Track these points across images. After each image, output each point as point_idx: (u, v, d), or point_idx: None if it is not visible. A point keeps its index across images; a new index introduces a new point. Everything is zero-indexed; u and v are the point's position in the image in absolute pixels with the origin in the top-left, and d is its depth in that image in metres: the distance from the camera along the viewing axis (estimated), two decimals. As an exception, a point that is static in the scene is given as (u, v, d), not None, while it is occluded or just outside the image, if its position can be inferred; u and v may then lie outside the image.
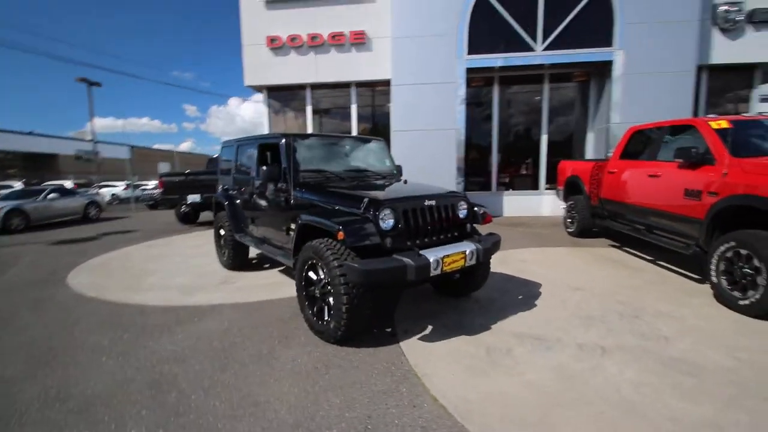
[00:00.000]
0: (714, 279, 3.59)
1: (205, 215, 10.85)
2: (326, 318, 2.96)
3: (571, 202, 6.83)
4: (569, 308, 3.57)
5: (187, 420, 2.07)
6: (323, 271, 2.94)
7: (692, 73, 8.12)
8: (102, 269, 5.45)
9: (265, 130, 10.07)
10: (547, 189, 9.51)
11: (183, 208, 9.19)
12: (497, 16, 8.44)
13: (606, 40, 8.26)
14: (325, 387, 2.36)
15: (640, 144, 5.27)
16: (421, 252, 2.81)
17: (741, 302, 3.29)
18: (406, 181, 4.01)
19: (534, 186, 9.59)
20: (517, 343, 2.88)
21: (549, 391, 2.28)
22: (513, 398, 2.22)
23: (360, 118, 9.95)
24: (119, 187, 20.82)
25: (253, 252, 5.33)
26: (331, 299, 2.89)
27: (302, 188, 3.53)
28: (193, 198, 8.82)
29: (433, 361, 2.65)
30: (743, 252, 3.32)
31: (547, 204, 9.29)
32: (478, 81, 9.37)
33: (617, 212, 5.54)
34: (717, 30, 8.31)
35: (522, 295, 3.93)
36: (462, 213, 3.33)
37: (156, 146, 45.94)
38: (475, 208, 3.47)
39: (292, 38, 9.33)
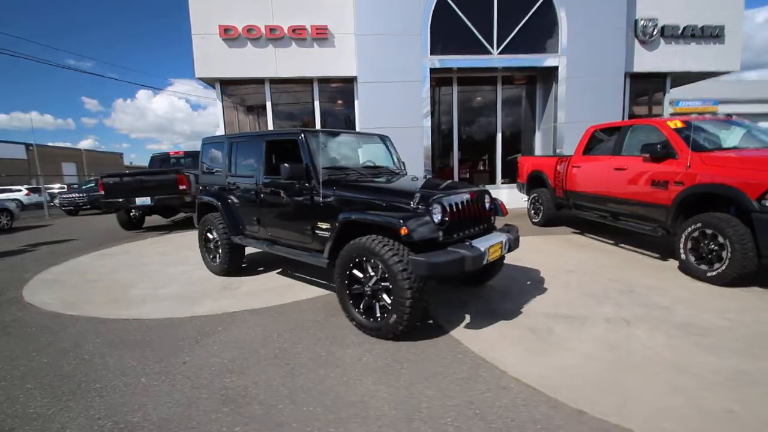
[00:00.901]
0: (683, 256, 4.25)
1: (152, 220, 9.87)
2: (378, 315, 2.95)
3: (535, 195, 7.49)
4: (574, 288, 3.97)
5: (292, 429, 1.97)
6: (373, 267, 2.93)
7: (622, 78, 9.34)
8: (62, 284, 4.72)
9: (220, 126, 9.42)
10: (502, 183, 10.25)
11: (133, 213, 8.23)
12: (457, 19, 8.87)
13: (552, 47, 9.13)
14: (410, 380, 2.39)
15: (602, 141, 5.97)
16: (473, 243, 2.94)
17: (709, 274, 3.94)
18: (416, 177, 4.11)
19: (491, 181, 10.27)
20: (553, 323, 3.15)
21: (605, 360, 2.56)
22: (581, 369, 2.45)
23: (324, 115, 9.76)
24: (21, 193, 17.78)
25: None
26: (385, 295, 2.90)
27: (333, 186, 3.43)
28: (143, 201, 7.94)
29: (492, 346, 2.80)
30: (708, 231, 3.99)
31: (504, 197, 9.93)
32: (437, 80, 9.75)
33: (583, 202, 6.22)
34: (637, 42, 9.65)
35: (529, 280, 4.26)
36: (488, 206, 3.54)
37: (51, 144, 39.77)
38: (496, 201, 3.69)
39: (249, 29, 8.82)
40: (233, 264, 4.68)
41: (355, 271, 3.07)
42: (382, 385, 2.35)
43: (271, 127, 9.50)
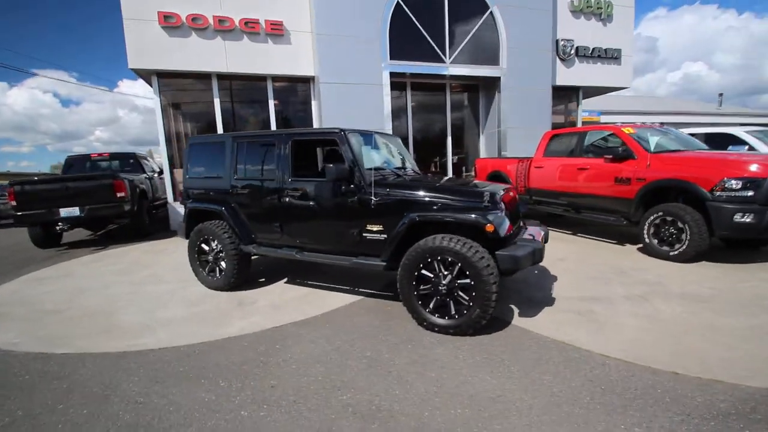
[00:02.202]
0: (647, 240, 5.08)
1: (75, 234, 8.27)
2: (453, 312, 3.00)
3: (495, 193, 8.15)
4: (578, 273, 4.49)
5: (458, 433, 1.93)
6: (447, 266, 2.97)
7: (549, 90, 10.67)
8: (9, 318, 3.73)
9: (158, 123, 8.29)
10: (453, 184, 10.87)
11: (60, 226, 6.77)
12: (414, 27, 9.19)
13: (495, 60, 10.01)
14: (522, 370, 2.50)
15: (561, 145, 6.79)
16: (531, 237, 3.17)
17: (671, 253, 4.80)
18: (433, 177, 4.24)
19: (443, 181, 10.82)
20: (589, 305, 3.54)
21: (655, 330, 2.98)
22: (644, 340, 2.83)
23: (279, 115, 9.24)
24: None
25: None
26: (460, 292, 2.95)
27: (384, 186, 3.35)
28: (70, 212, 6.59)
29: (557, 330, 3.05)
30: (669, 218, 4.85)
31: (456, 197, 10.63)
32: (393, 85, 9.93)
33: (546, 198, 6.98)
34: (558, 60, 11.10)
35: (536, 270, 4.67)
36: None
37: None
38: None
39: (194, 18, 7.95)
40: (241, 276, 4.23)
41: (424, 272, 3.06)
42: (502, 377, 2.42)
43: (220, 125, 8.68)
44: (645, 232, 5.09)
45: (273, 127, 9.02)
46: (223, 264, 4.23)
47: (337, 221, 3.57)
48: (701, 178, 4.57)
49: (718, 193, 4.43)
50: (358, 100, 8.71)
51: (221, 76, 8.57)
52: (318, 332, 3.18)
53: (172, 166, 8.53)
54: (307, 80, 9.21)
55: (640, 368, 2.47)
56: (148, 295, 4.25)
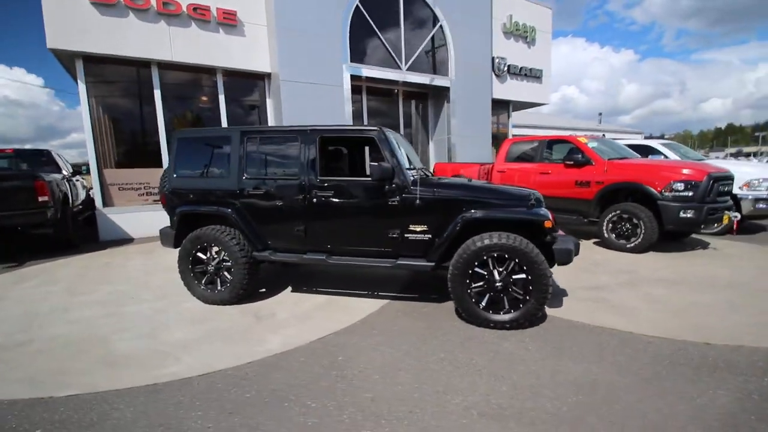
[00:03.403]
0: (606, 235, 5.85)
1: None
2: (507, 307, 3.10)
3: (456, 196, 8.58)
4: (568, 266, 4.96)
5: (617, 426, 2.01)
6: (501, 262, 3.07)
7: (490, 102, 11.61)
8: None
9: (83, 115, 6.98)
10: (405, 188, 11.12)
11: None
12: (373, 32, 9.25)
13: (445, 70, 10.57)
14: (594, 354, 2.70)
15: (521, 151, 7.44)
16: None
17: (628, 246, 5.59)
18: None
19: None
20: (597, 293, 3.95)
21: (669, 311, 3.45)
22: (659, 318, 3.26)
23: (229, 111, 8.46)
24: None
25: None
26: (516, 287, 3.07)
27: (431, 186, 3.32)
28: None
29: (591, 316, 3.35)
30: (625, 216, 5.65)
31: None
32: (351, 88, 9.85)
33: (507, 201, 7.55)
34: (494, 75, 12.16)
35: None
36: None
37: None
38: None
39: (132, -4, 6.92)
40: (250, 287, 3.78)
41: (478, 270, 3.12)
42: (583, 363, 2.58)
43: (161, 119, 7.62)
44: (604, 228, 5.85)
45: (224, 124, 8.25)
46: (227, 274, 3.75)
47: (377, 222, 3.43)
48: (652, 182, 5.43)
49: (666, 194, 5.31)
50: (319, 100, 8.44)
51: (163, 66, 7.57)
52: (371, 340, 3.02)
53: (101, 165, 7.23)
54: (261, 77, 8.64)
55: (679, 342, 2.85)
56: (135, 317, 3.56)
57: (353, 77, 9.12)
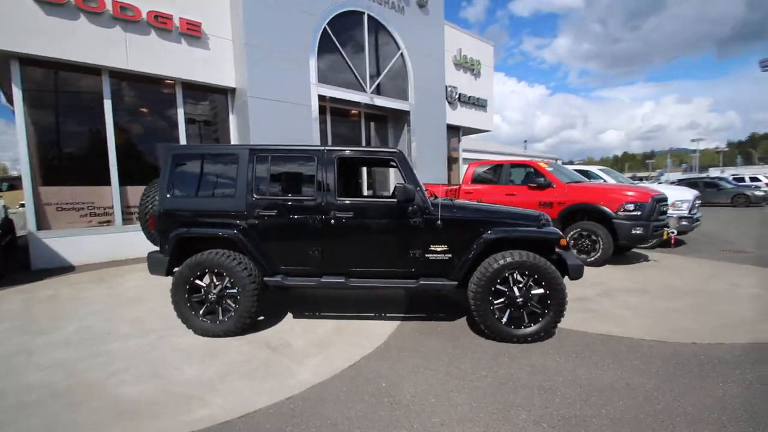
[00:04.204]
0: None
1: None
2: (527, 321, 3.28)
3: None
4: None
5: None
6: (522, 277, 3.26)
7: (445, 127, 12.26)
8: None
9: (18, 125, 6.04)
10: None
11: None
12: (339, 54, 9.37)
13: (405, 95, 11.01)
14: (614, 362, 2.94)
15: (485, 174, 7.95)
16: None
17: (589, 260, 6.21)
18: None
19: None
20: (587, 304, 4.32)
21: (642, 315, 3.90)
22: (645, 323, 3.67)
23: (189, 127, 7.90)
24: None
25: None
26: (534, 302, 3.27)
27: (452, 208, 3.43)
28: None
29: (590, 326, 3.66)
30: (585, 233, 6.29)
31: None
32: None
33: (475, 220, 7.98)
34: (447, 103, 12.93)
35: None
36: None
37: None
38: None
39: (83, -3, 6.28)
40: (256, 315, 3.52)
41: (500, 286, 3.27)
42: (609, 370, 2.81)
43: (110, 132, 6.87)
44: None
45: (183, 139, 7.68)
46: (230, 303, 3.46)
47: (398, 242, 3.43)
48: (607, 203, 6.14)
49: (620, 213, 6.03)
50: (287, 118, 8.27)
51: (117, 74, 6.90)
52: (405, 363, 2.98)
53: (36, 182, 6.27)
54: (224, 91, 8.25)
55: (673, 344, 3.23)
56: (124, 356, 3.10)
57: (320, 97, 9.11)
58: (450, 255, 3.42)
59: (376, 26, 10.16)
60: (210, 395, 2.54)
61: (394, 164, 3.52)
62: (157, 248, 3.76)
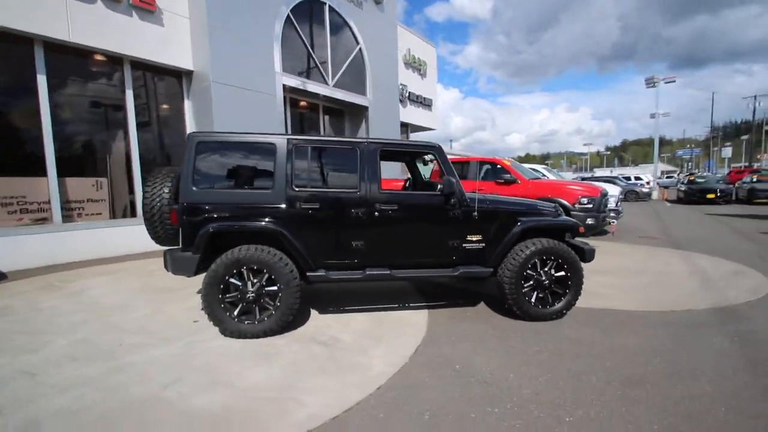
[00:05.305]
0: (533, 240, 7.19)
1: None
2: (550, 301, 3.69)
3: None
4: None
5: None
6: (544, 264, 3.65)
7: (399, 123, 12.57)
8: None
9: None
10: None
11: None
12: (302, 45, 9.05)
13: (364, 91, 11.03)
14: (632, 330, 3.47)
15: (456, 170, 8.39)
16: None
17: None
18: None
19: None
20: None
21: (622, 291, 4.60)
22: (630, 297, 4.36)
23: (139, 111, 6.97)
24: None
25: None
26: (555, 283, 3.68)
27: (485, 200, 3.67)
28: None
29: (593, 303, 4.22)
30: (548, 224, 7.07)
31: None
32: (272, 97, 9.33)
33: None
34: (399, 102, 13.26)
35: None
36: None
37: None
38: None
39: (9, -52, 5.18)
40: (296, 312, 3.37)
41: (530, 271, 3.62)
42: (634, 337, 3.30)
43: (46, 113, 5.77)
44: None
45: (131, 125, 6.80)
46: (268, 301, 3.27)
47: (440, 233, 3.58)
48: (566, 197, 6.99)
49: (577, 206, 6.92)
50: (252, 106, 7.81)
51: (52, 45, 5.82)
52: (462, 346, 3.15)
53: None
54: (179, 74, 7.46)
55: (657, 313, 3.89)
56: (162, 367, 2.76)
57: (283, 87, 8.72)
58: (483, 244, 3.67)
59: (337, 18, 10.02)
60: (299, 396, 2.42)
61: (433, 157, 3.64)
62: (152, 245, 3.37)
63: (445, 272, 3.62)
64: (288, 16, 8.59)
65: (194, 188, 3.22)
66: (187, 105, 7.62)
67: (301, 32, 8.99)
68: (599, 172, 48.68)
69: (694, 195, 16.86)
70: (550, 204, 4.04)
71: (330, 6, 9.69)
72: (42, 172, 5.78)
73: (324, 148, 3.49)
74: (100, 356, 2.94)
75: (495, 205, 3.73)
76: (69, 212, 6.15)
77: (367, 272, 3.47)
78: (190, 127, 7.59)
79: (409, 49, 13.68)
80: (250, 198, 3.31)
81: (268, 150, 3.34)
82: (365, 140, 3.52)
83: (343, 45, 10.33)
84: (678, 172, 55.51)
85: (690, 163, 61.25)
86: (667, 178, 45.06)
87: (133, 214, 6.98)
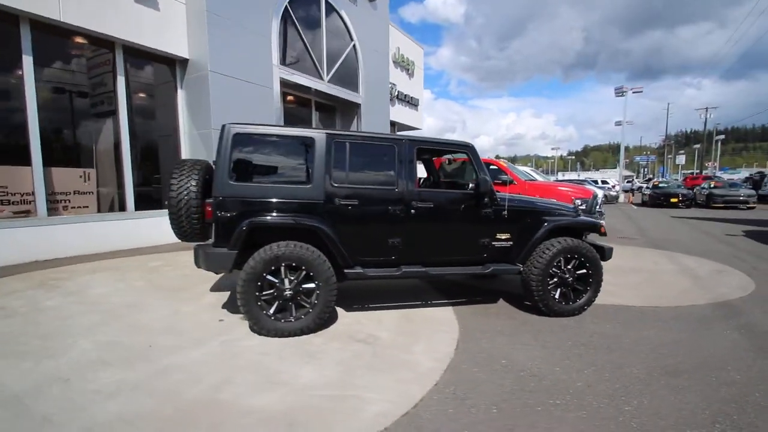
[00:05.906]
0: (529, 239, 7.45)
1: None
2: (573, 297, 3.84)
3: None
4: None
5: (711, 361, 2.90)
6: (568, 261, 3.80)
7: (389, 122, 12.58)
8: None
9: None
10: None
11: None
12: (299, 39, 8.87)
13: (356, 87, 10.96)
14: (654, 323, 3.67)
15: (450, 170, 8.53)
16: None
17: (546, 246, 7.29)
18: None
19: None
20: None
21: (621, 288, 4.87)
22: (631, 294, 4.62)
23: (130, 99, 6.58)
24: None
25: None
26: (577, 281, 3.85)
27: (512, 199, 3.76)
28: None
29: (604, 300, 4.43)
30: (543, 224, 7.35)
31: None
32: (265, 90, 9.08)
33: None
34: (389, 101, 13.27)
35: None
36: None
37: None
38: None
39: None
40: (333, 310, 3.33)
41: (554, 269, 3.75)
42: (656, 330, 3.50)
43: (31, 97, 5.33)
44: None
45: (123, 113, 6.42)
46: (304, 298, 3.21)
47: (473, 231, 3.64)
48: (561, 199, 7.26)
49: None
50: (249, 101, 7.59)
51: (39, 24, 5.39)
52: (499, 341, 3.23)
53: None
54: (172, 62, 7.12)
55: (665, 308, 4.14)
56: (208, 368, 2.64)
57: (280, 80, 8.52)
58: (511, 242, 3.77)
59: (333, 14, 9.89)
60: (360, 393, 2.40)
61: (467, 156, 3.70)
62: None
63: (476, 270, 3.69)
64: (286, 8, 8.39)
65: (231, 182, 3.10)
66: (180, 94, 7.27)
67: (298, 25, 8.81)
68: (568, 175, 50.82)
69: (658, 198, 18.03)
70: (569, 205, 4.21)
71: (326, 0, 9.55)
72: (26, 161, 5.33)
73: (363, 144, 3.46)
74: (135, 359, 2.77)
75: (524, 205, 3.84)
76: (54, 204, 5.71)
77: (403, 270, 3.48)
78: (182, 117, 7.26)
79: (398, 48, 13.72)
80: (288, 193, 3.22)
81: (307, 144, 3.27)
82: (404, 137, 3.53)
83: (339, 41, 10.21)
84: (635, 177, 59.07)
85: (646, 169, 65.22)
86: (627, 182, 47.85)
87: (122, 208, 6.59)
